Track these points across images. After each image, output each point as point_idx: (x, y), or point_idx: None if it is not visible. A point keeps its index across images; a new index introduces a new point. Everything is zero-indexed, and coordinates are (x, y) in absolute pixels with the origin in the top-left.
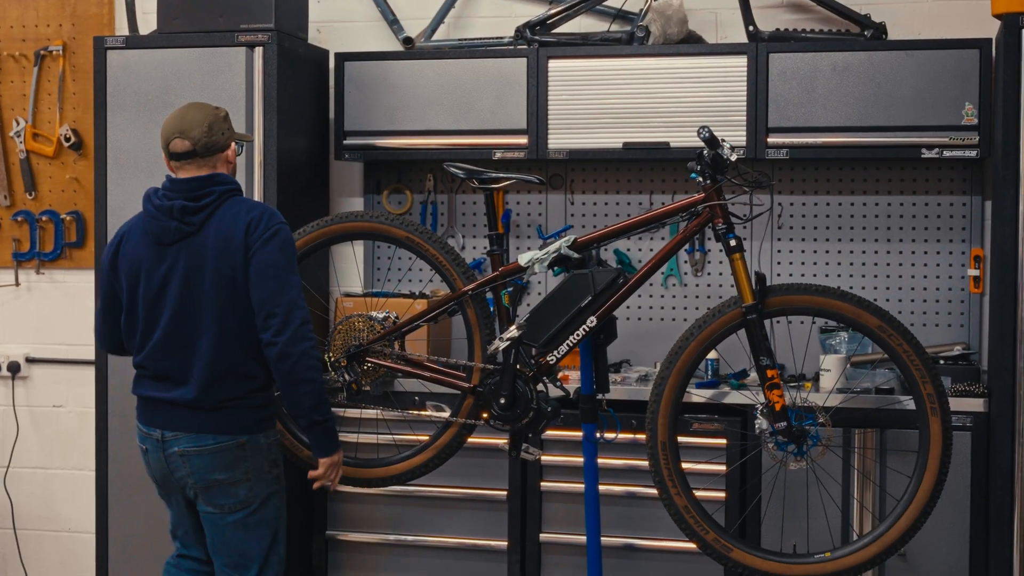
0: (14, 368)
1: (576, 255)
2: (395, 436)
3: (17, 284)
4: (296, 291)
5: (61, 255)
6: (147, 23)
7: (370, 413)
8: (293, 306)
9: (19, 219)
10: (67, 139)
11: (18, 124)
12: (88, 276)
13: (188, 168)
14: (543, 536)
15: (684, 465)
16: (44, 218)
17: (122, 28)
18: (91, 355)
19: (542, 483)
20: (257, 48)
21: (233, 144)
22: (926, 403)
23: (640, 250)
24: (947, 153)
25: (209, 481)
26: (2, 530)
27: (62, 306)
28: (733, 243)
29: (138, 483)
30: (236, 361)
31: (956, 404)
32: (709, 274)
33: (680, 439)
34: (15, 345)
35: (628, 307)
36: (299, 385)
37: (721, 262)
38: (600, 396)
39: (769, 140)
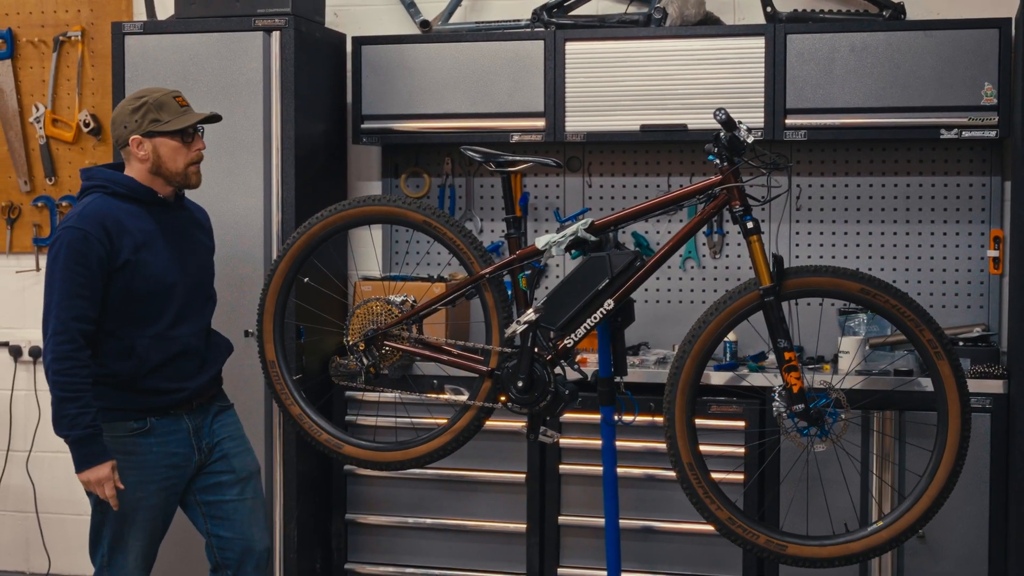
0: (35, 353)
1: (593, 238)
2: (413, 419)
3: (38, 269)
4: (51, 300)
5: None
6: (165, 8)
7: (388, 396)
8: (47, 316)
9: (39, 204)
10: (86, 124)
11: (37, 110)
12: None
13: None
14: (562, 519)
15: (703, 447)
16: (64, 203)
17: (140, 13)
18: None
19: (560, 466)
20: (274, 32)
21: (136, 139)
22: (928, 349)
23: (658, 232)
24: (966, 134)
25: None
26: (25, 514)
27: None
28: (750, 225)
29: None
30: None
31: (975, 386)
32: (727, 256)
33: (698, 421)
34: (37, 330)
35: (646, 289)
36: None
37: (739, 244)
38: (618, 379)
39: (787, 121)
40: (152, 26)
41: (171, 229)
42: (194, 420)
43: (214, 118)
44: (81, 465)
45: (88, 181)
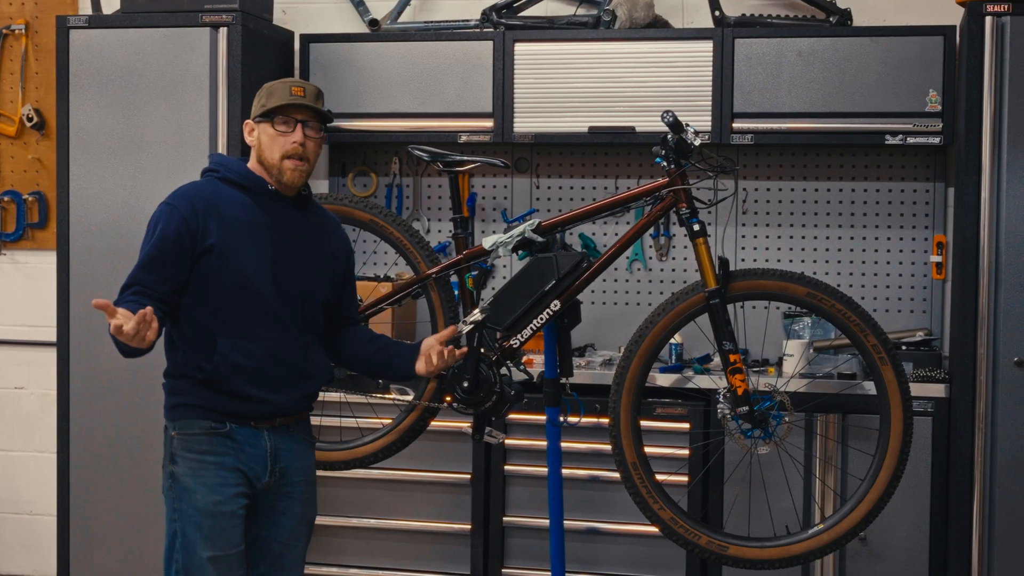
0: None
1: (540, 239)
2: (358, 419)
3: None
4: (136, 262)
5: (23, 236)
6: (110, 2)
7: (333, 396)
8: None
9: None
10: (29, 119)
11: None
12: (50, 257)
13: None
14: (506, 519)
15: (648, 449)
16: (6, 199)
17: (85, 7)
18: (53, 337)
19: (506, 466)
20: (221, 29)
21: (248, 124)
22: (873, 354)
23: (605, 234)
24: (911, 140)
25: None
26: None
27: (24, 287)
28: (697, 228)
29: (100, 466)
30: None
31: (918, 390)
32: (674, 259)
33: (643, 423)
34: None
35: (592, 291)
36: None
37: (686, 247)
38: (564, 380)
39: (734, 125)
40: (97, 20)
41: (281, 227)
42: (274, 440)
43: (320, 113)
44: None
45: (208, 165)
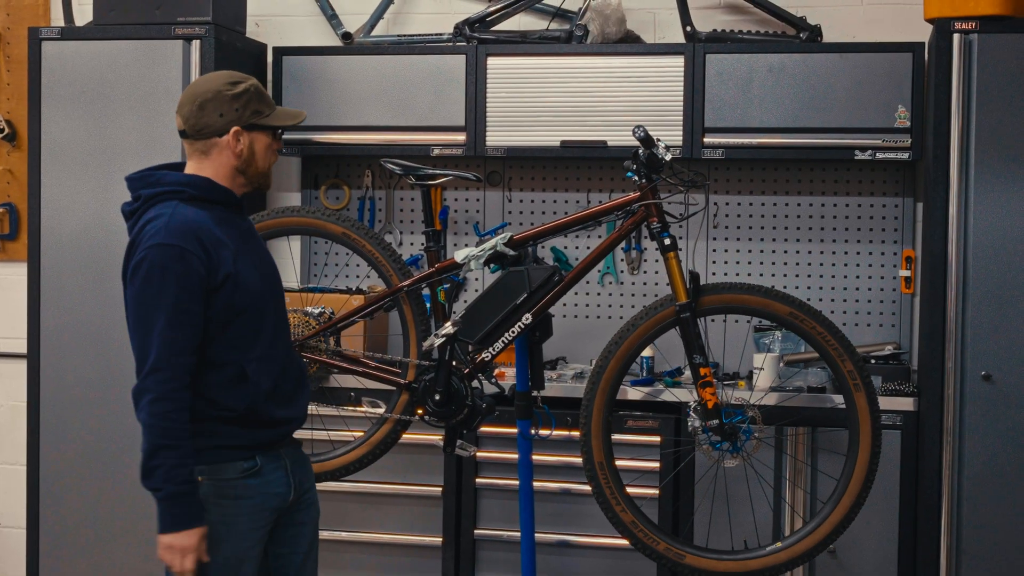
0: None
1: (512, 252)
2: (329, 432)
3: None
4: (148, 332)
5: None
6: (83, 14)
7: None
8: (146, 349)
9: None
10: (1, 130)
11: None
12: (21, 269)
13: (189, 152)
14: (478, 532)
15: (618, 463)
16: None
17: (58, 19)
18: (23, 348)
19: (477, 479)
20: (194, 41)
21: (237, 130)
22: (848, 380)
23: (577, 248)
24: (880, 155)
25: None
26: None
27: None
28: (667, 242)
29: (71, 478)
30: None
31: (887, 403)
32: (645, 272)
33: (615, 436)
34: None
35: (564, 304)
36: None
37: (657, 260)
38: (535, 393)
39: (705, 140)
40: (70, 32)
41: (246, 234)
42: (289, 454)
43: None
44: (171, 526)
45: (151, 188)
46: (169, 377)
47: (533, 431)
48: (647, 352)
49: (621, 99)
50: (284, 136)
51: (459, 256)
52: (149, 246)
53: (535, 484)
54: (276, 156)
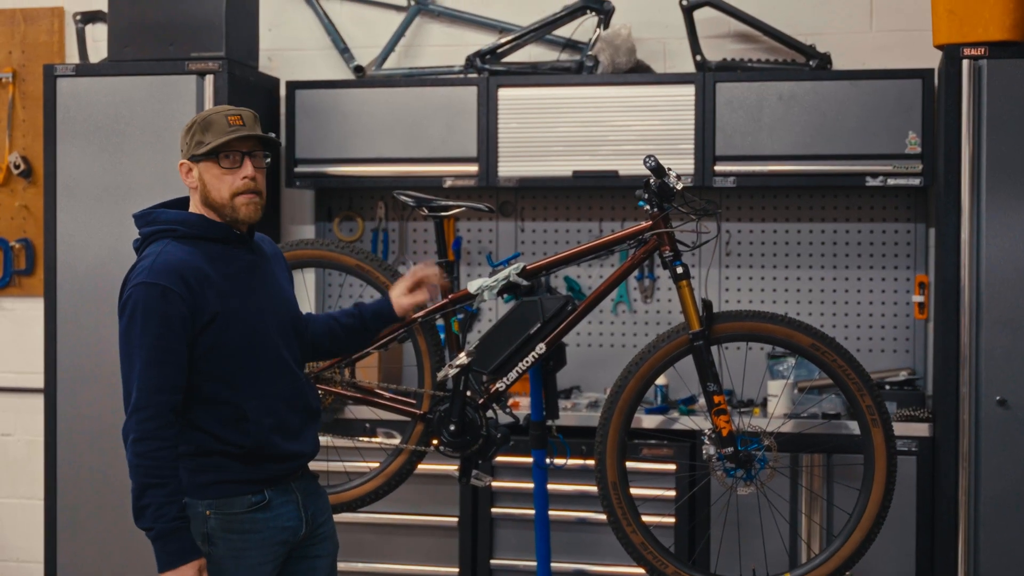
0: None
1: (525, 282)
2: (345, 463)
3: None
4: (130, 371)
5: (10, 283)
6: (98, 51)
7: (320, 440)
8: (129, 387)
9: None
10: (16, 166)
11: None
12: (37, 304)
13: None
14: (494, 562)
15: (634, 491)
16: None
17: (73, 56)
18: (40, 383)
19: (493, 509)
20: (208, 76)
21: (183, 164)
22: (866, 415)
23: (590, 277)
24: (891, 181)
25: None
26: None
27: (11, 334)
28: (680, 270)
29: (87, 513)
30: None
31: (901, 429)
32: (658, 300)
33: (629, 464)
34: None
35: (578, 333)
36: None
37: (670, 289)
38: (550, 422)
39: (716, 168)
40: (84, 69)
41: (251, 266)
42: (300, 486)
43: (267, 140)
44: (168, 564)
45: (148, 227)
46: (152, 415)
47: (548, 460)
48: (661, 380)
49: (632, 129)
50: (297, 169)
51: (472, 287)
52: (134, 285)
53: (551, 513)
54: (242, 183)
